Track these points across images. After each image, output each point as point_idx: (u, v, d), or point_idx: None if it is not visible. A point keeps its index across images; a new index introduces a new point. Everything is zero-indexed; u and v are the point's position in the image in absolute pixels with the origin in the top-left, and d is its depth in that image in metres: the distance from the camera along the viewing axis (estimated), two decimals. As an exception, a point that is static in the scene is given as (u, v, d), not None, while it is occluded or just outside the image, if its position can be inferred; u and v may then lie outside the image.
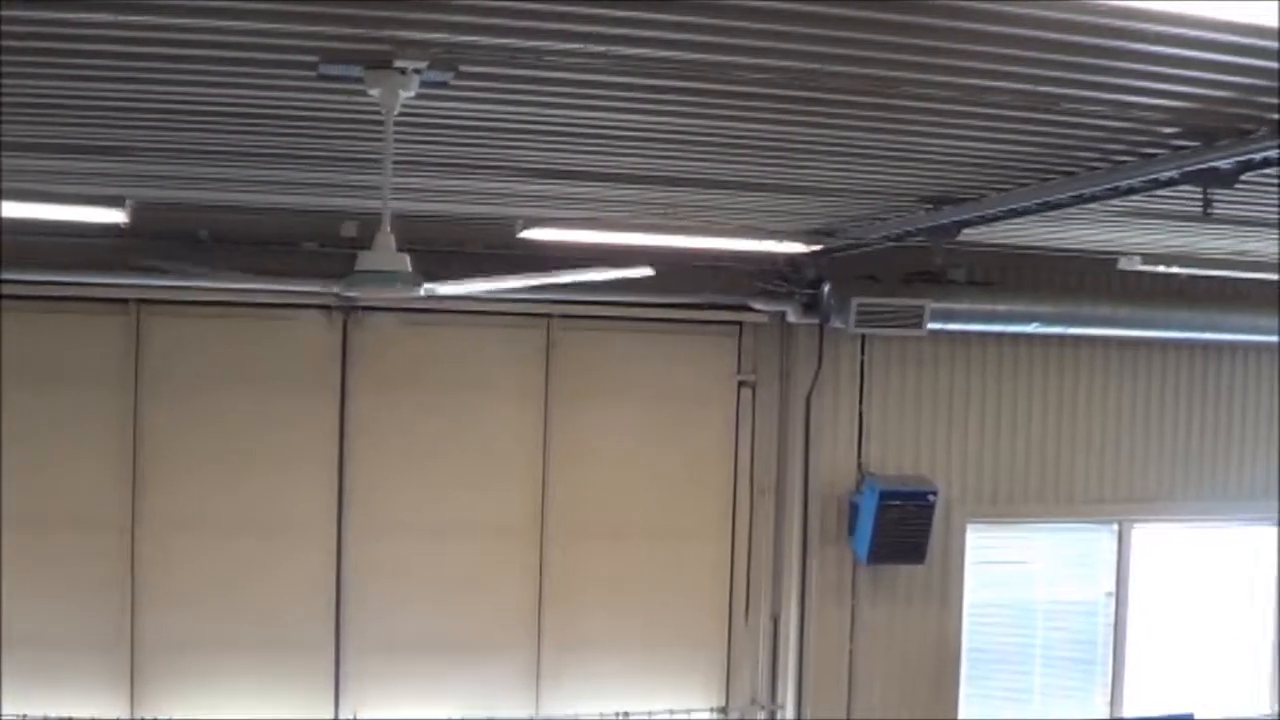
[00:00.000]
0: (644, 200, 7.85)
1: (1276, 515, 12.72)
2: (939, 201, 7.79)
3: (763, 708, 11.07)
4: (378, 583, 10.15)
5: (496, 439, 10.44)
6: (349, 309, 9.91)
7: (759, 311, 10.65)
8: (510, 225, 8.36)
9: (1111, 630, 12.14)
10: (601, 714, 10.54)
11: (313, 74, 4.90)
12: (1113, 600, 12.13)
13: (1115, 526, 12.09)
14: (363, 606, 10.14)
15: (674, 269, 9.87)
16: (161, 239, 8.82)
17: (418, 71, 4.79)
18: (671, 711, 10.77)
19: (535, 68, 4.82)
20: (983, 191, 7.40)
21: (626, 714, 10.57)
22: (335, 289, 5.85)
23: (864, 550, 10.78)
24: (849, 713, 11.09)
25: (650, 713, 10.67)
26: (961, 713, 11.51)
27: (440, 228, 8.89)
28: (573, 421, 10.57)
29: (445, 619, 10.28)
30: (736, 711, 11.02)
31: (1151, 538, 12.29)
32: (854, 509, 10.90)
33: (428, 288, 5.67)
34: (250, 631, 9.95)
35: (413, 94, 4.91)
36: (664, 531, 10.80)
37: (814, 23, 4.24)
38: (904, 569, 11.08)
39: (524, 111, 5.57)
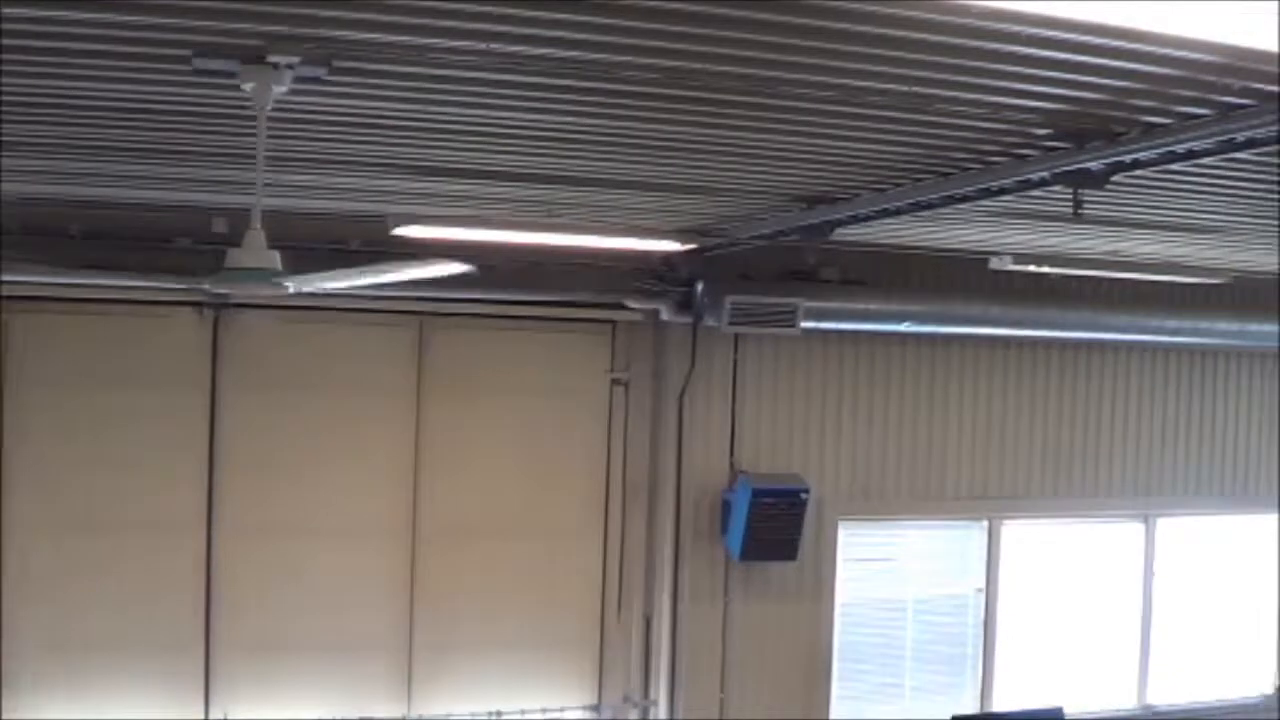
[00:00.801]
0: (520, 198, 7.83)
1: (1144, 512, 12.92)
2: (813, 201, 7.82)
3: (635, 705, 11.06)
4: (249, 582, 10.03)
5: (369, 438, 10.35)
6: (220, 306, 9.78)
7: (633, 310, 10.65)
8: (384, 222, 8.29)
9: (981, 626, 12.26)
10: (474, 713, 10.49)
11: (186, 68, 4.83)
12: (983, 596, 12.26)
13: (985, 523, 12.22)
14: (233, 606, 10.00)
15: (549, 267, 9.87)
16: (31, 235, 8.67)
17: (291, 67, 4.74)
18: (544, 710, 10.74)
19: (411, 63, 4.78)
20: (856, 191, 7.44)
21: (499, 713, 10.53)
22: (206, 286, 5.78)
23: (736, 548, 10.82)
24: (722, 709, 11.12)
25: (523, 711, 10.63)
26: (833, 709, 11.57)
27: (314, 225, 8.80)
28: (446, 420, 10.50)
29: (317, 619, 10.18)
30: (609, 709, 11.01)
31: (1021, 534, 12.43)
32: (726, 507, 10.93)
33: (290, 282, 5.60)
34: (118, 631, 9.77)
35: (286, 89, 4.86)
36: (537, 530, 10.77)
37: (693, 22, 4.23)
38: (776, 566, 11.13)
39: (399, 108, 5.53)
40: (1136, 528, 13.03)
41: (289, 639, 10.12)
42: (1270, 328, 12.15)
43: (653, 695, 11.07)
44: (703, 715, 11.04)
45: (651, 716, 11.08)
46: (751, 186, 7.39)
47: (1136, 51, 4.35)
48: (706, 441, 11.02)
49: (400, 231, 8.19)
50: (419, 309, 10.22)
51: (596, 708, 10.97)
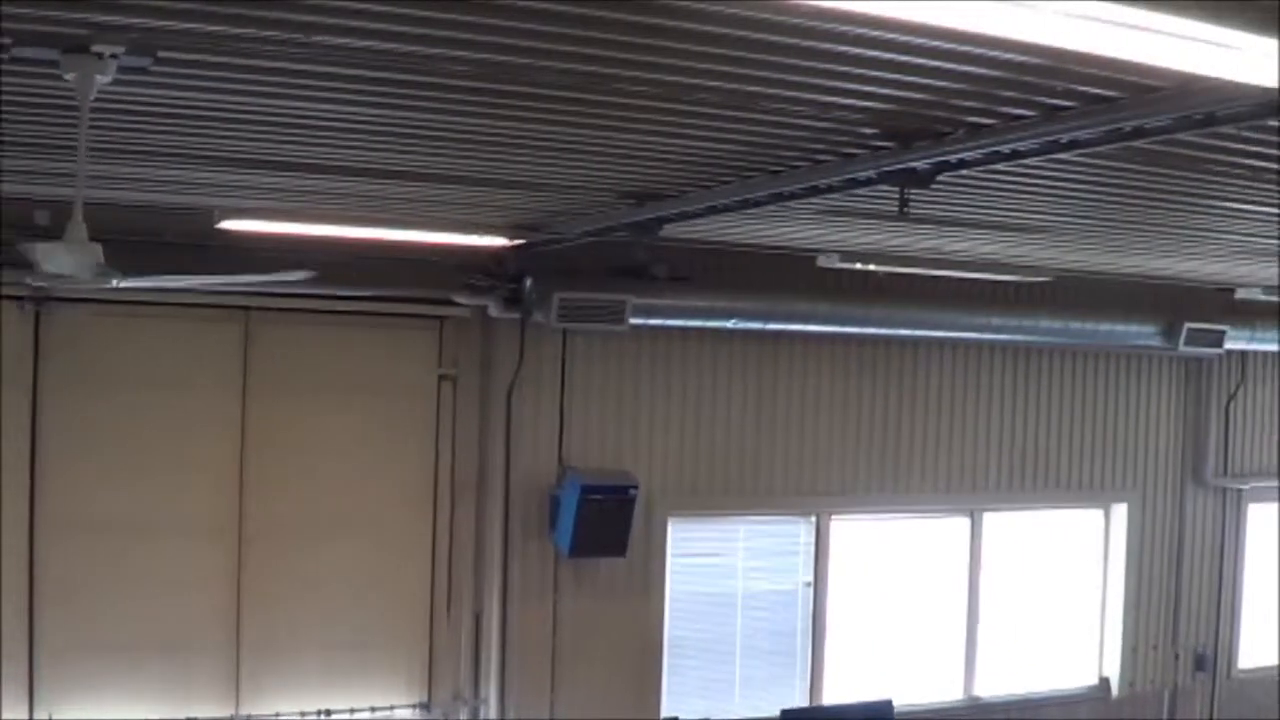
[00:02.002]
0: (348, 192, 7.74)
1: (969, 507, 13.11)
2: (642, 197, 7.81)
3: (466, 703, 11.01)
4: (72, 581, 9.83)
5: (194, 434, 10.18)
6: (41, 300, 9.59)
7: (461, 306, 10.59)
8: (209, 215, 8.18)
9: (810, 620, 12.36)
10: (303, 712, 10.38)
11: (4, 57, 4.72)
12: (811, 591, 12.35)
13: (813, 519, 12.32)
14: (56, 605, 9.79)
15: (376, 262, 9.79)
16: None
17: (115, 56, 4.64)
18: (374, 709, 10.65)
19: (237, 55, 4.70)
20: (685, 188, 7.44)
21: (328, 712, 10.43)
22: (25, 279, 5.65)
23: (566, 544, 10.81)
24: (552, 706, 11.11)
25: (352, 710, 10.55)
26: (663, 704, 11.61)
27: (138, 217, 8.65)
28: (273, 416, 10.37)
29: (142, 618, 9.99)
30: (440, 707, 10.94)
31: (849, 529, 12.54)
32: (555, 503, 10.92)
33: (114, 277, 5.49)
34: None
35: (110, 79, 4.76)
36: (366, 527, 10.68)
37: (519, 16, 4.19)
38: (606, 562, 11.14)
39: (226, 100, 5.44)
40: (962, 522, 13.21)
41: (114, 638, 9.92)
42: (1092, 325, 12.38)
43: (483, 693, 11.02)
44: (533, 712, 11.02)
45: (482, 714, 11.03)
46: (580, 183, 7.37)
47: (962, 53, 4.38)
48: (535, 438, 11.01)
49: (226, 225, 8.09)
50: (245, 304, 10.10)
51: (426, 705, 10.90)
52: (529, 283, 10.24)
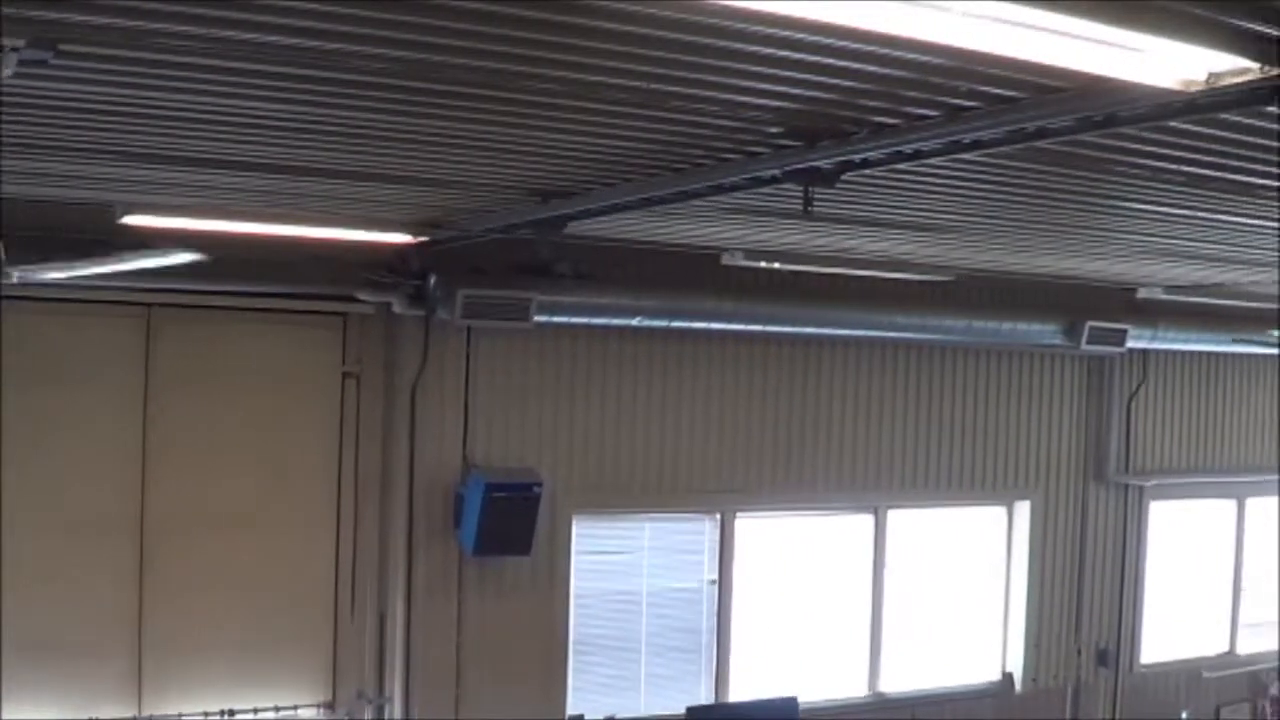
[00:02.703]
0: (251, 188, 7.65)
1: (874, 504, 13.17)
2: (548, 195, 7.78)
3: (370, 702, 10.96)
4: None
5: (95, 431, 10.08)
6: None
7: (365, 302, 10.53)
8: (111, 211, 8.08)
9: (715, 618, 12.38)
10: (206, 713, 10.29)
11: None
12: (716, 588, 12.37)
13: (718, 516, 12.34)
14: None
15: (280, 258, 9.72)
16: None
17: (15, 49, 4.56)
18: (277, 708, 10.59)
19: (142, 49, 4.63)
20: (590, 186, 7.42)
21: (231, 712, 10.35)
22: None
23: (470, 542, 10.77)
24: (457, 705, 11.07)
25: (256, 710, 10.47)
26: (569, 702, 11.60)
27: (41, 213, 8.53)
28: (176, 413, 10.28)
29: (41, 618, 9.87)
30: (344, 707, 10.89)
31: (754, 527, 12.57)
32: (460, 501, 10.88)
33: (15, 271, 5.43)
34: None
35: (10, 73, 4.68)
36: (269, 525, 10.61)
37: (427, 13, 4.16)
38: (511, 560, 11.11)
39: (130, 94, 5.35)
40: (866, 520, 13.27)
41: (13, 638, 9.80)
42: (995, 324, 12.47)
43: (388, 692, 10.98)
44: (438, 711, 10.98)
45: (386, 714, 10.98)
46: (485, 180, 7.33)
47: (869, 53, 4.38)
48: (439, 436, 10.96)
49: (129, 220, 7.99)
50: (148, 300, 10.00)
51: (331, 705, 10.86)
52: (433, 280, 10.20)
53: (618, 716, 11.75)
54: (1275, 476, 16.07)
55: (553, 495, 11.23)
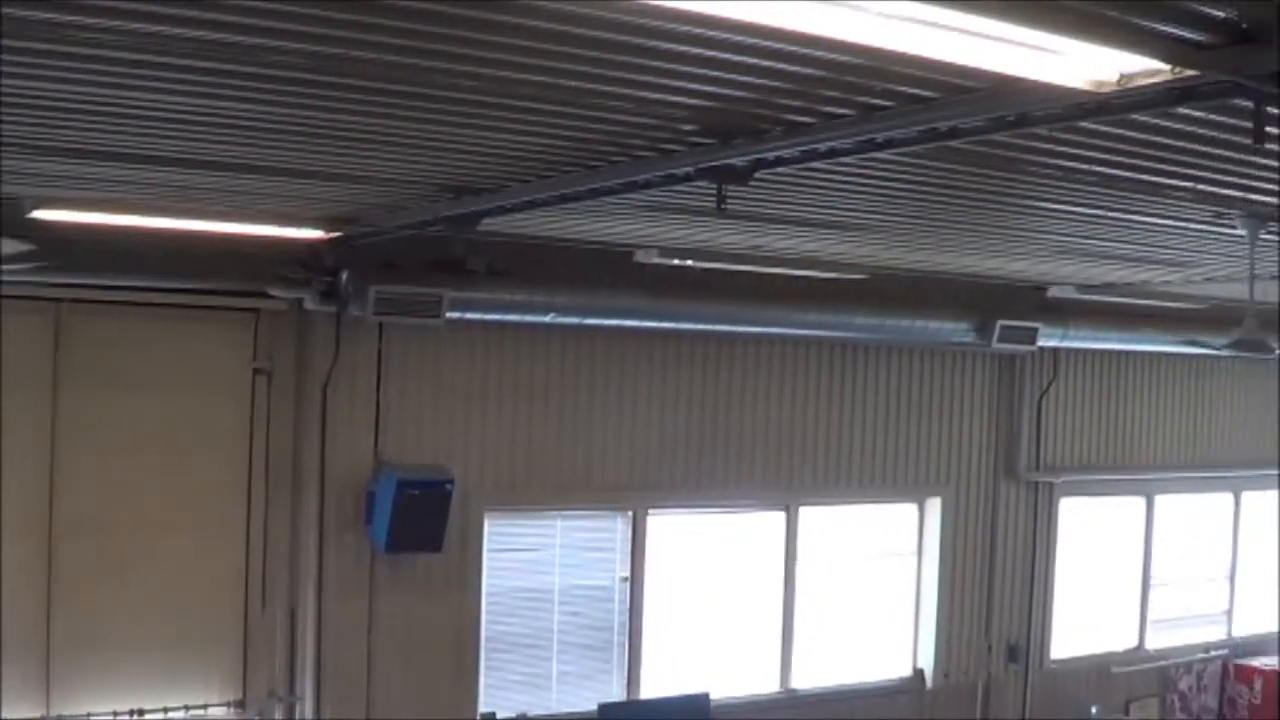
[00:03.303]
0: (164, 183, 7.59)
1: (785, 501, 13.20)
2: (460, 191, 7.76)
3: (281, 701, 10.88)
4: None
5: (1, 428, 9.96)
6: None
7: (277, 298, 10.46)
8: (20, 204, 7.99)
9: (627, 615, 12.37)
10: (115, 712, 10.19)
11: None
12: (628, 585, 12.36)
13: (630, 513, 12.33)
14: None
15: (190, 253, 9.63)
16: None
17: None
18: (188, 708, 10.50)
19: (48, 40, 4.57)
20: (504, 183, 7.40)
21: (141, 711, 10.26)
22: None
23: (382, 539, 10.72)
24: (369, 703, 11.02)
25: (166, 709, 10.38)
26: (481, 700, 11.56)
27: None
28: (84, 410, 10.17)
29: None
30: (255, 706, 10.81)
31: (666, 524, 12.58)
32: (371, 498, 10.83)
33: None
34: None
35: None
36: (179, 523, 10.51)
37: (341, 7, 4.13)
38: (423, 558, 11.07)
39: (31, 86, 5.29)
40: (778, 517, 13.29)
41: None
42: (907, 322, 12.52)
43: (299, 690, 10.91)
44: (349, 710, 10.93)
45: (298, 713, 10.92)
46: (397, 175, 7.30)
47: (782, 51, 4.38)
48: (351, 432, 10.90)
49: (39, 215, 7.92)
50: (56, 295, 9.89)
51: (241, 704, 10.77)
52: (345, 276, 10.13)
53: (530, 714, 11.73)
54: (1183, 474, 16.27)
55: (465, 492, 11.19)
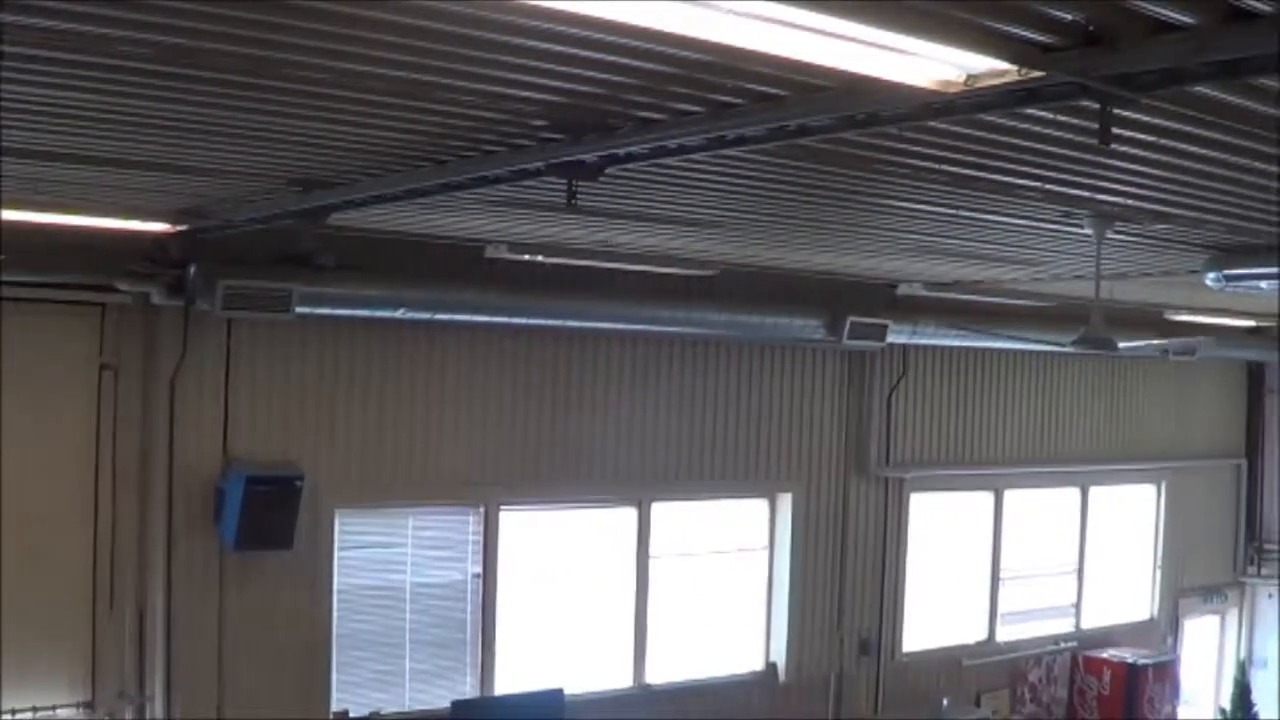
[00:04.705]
0: (6, 174, 7.43)
1: (637, 497, 13.21)
2: (310, 185, 7.70)
3: (131, 701, 10.72)
4: None
5: None
6: None
7: (124, 293, 10.29)
8: None
9: (480, 611, 12.33)
10: (-44, 715, 10.03)
11: None
12: (480, 582, 12.32)
13: (482, 510, 12.29)
14: None
15: (33, 246, 9.47)
16: None
17: None
18: (35, 709, 10.30)
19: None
20: (354, 177, 7.36)
21: (-15, 712, 10.10)
22: None
23: (231, 537, 10.62)
24: (220, 702, 10.90)
25: (14, 711, 10.19)
26: (333, 699, 11.47)
27: None
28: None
29: None
30: (104, 706, 10.64)
31: (520, 520, 12.55)
32: (221, 495, 10.71)
33: None
34: None
35: None
36: (23, 521, 10.28)
37: (187, -2, 4.08)
38: (273, 555, 10.96)
39: None
40: (630, 513, 13.31)
41: None
42: (758, 318, 12.58)
43: (149, 690, 10.76)
44: (200, 709, 10.82)
45: (148, 713, 10.76)
46: (246, 168, 7.22)
47: (635, 48, 4.38)
48: (199, 429, 10.78)
49: None
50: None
51: (90, 704, 10.59)
52: (193, 270, 10.02)
53: (383, 712, 11.65)
54: (1031, 469, 16.49)
55: (315, 489, 11.09)
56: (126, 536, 10.70)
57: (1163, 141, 5.64)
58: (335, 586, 11.53)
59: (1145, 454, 18.09)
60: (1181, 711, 17.78)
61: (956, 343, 14.72)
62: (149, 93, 5.38)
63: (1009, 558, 16.65)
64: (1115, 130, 4.69)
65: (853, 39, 3.80)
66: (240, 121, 5.97)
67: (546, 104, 5.33)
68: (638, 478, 13.23)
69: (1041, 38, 3.97)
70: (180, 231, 9.31)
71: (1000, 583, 16.59)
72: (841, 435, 14.77)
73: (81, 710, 10.57)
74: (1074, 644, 17.24)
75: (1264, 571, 19.56)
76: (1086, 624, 17.59)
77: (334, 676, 11.54)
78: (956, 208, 7.76)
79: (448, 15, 4.15)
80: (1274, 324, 16.00)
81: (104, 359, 10.58)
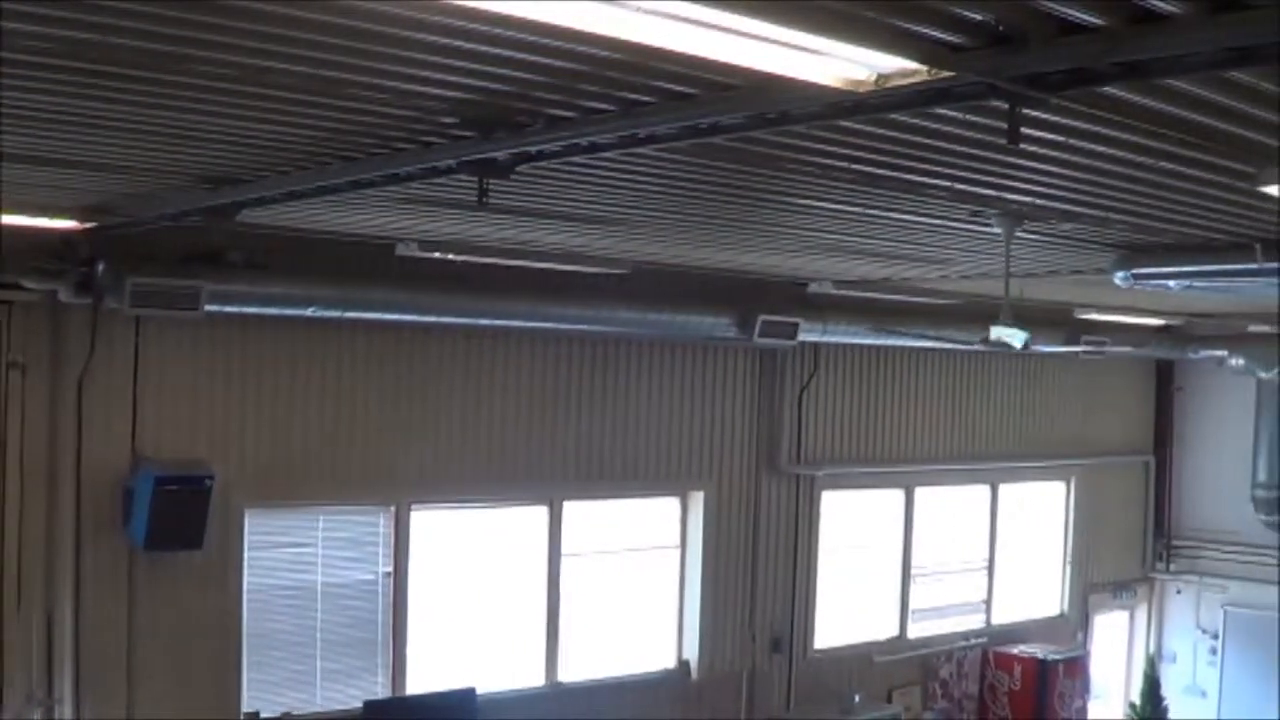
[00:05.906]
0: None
1: (548, 496, 13.20)
2: (218, 182, 7.65)
3: (40, 704, 10.61)
4: None
5: None
6: None
7: (30, 290, 10.18)
8: None
9: (391, 611, 12.29)
10: None
11: None
12: (392, 581, 12.28)
13: (393, 508, 12.25)
14: None
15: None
16: None
17: None
18: (-61, 714, 10.23)
19: None
20: (262, 173, 7.32)
21: (-113, 719, 9.98)
22: None
23: (140, 536, 10.54)
24: (130, 704, 10.81)
25: (-83, 715, 10.11)
26: (244, 699, 11.41)
27: None
28: None
29: None
30: (12, 709, 10.53)
31: (432, 519, 12.53)
32: (129, 495, 10.62)
33: None
34: None
35: None
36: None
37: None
38: (183, 555, 10.88)
39: None
40: (541, 511, 13.29)
41: None
42: (669, 316, 12.60)
43: (58, 693, 10.65)
44: (110, 712, 10.73)
45: (57, 715, 10.65)
46: (153, 165, 7.17)
47: (545, 45, 4.38)
48: (107, 428, 10.68)
49: None
50: None
51: (-2, 710, 10.50)
52: (101, 267, 9.92)
53: (294, 712, 11.60)
54: (942, 466, 16.60)
55: (225, 489, 11.01)
56: (34, 537, 10.58)
57: (1071, 141, 5.69)
58: (246, 586, 11.45)
59: (1055, 451, 18.25)
60: (1092, 706, 17.94)
61: (867, 341, 14.78)
62: (54, 88, 5.33)
63: (920, 555, 16.78)
64: (1024, 130, 4.72)
65: (763, 38, 3.81)
66: (145, 117, 5.91)
67: (456, 101, 5.32)
68: (549, 477, 13.22)
69: (951, 38, 3.99)
70: (89, 228, 9.22)
71: (911, 579, 16.70)
72: (753, 433, 14.82)
73: (-12, 715, 10.48)
74: (985, 640, 17.38)
75: (1173, 567, 19.77)
76: (997, 620, 17.74)
77: (245, 677, 11.47)
78: (867, 207, 7.80)
79: (356, 11, 4.13)
80: (1183, 322, 16.20)
81: (10, 357, 10.46)
